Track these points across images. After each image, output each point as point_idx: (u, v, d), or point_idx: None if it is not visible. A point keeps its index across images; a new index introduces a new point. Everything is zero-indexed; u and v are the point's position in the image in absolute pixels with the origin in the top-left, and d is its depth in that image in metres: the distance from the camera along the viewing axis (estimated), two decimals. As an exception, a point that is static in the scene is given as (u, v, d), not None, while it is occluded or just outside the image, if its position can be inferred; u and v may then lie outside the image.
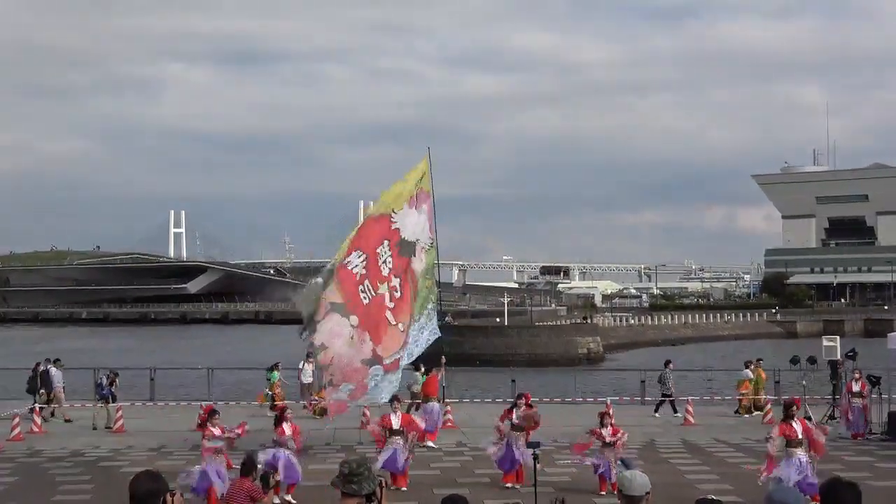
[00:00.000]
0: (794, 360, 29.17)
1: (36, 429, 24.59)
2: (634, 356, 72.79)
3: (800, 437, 14.85)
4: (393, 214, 21.53)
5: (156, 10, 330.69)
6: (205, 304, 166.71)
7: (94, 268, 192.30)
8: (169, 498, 5.22)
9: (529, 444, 15.31)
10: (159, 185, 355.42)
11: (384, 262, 21.04)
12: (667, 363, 29.56)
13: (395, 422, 17.33)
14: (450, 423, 24.85)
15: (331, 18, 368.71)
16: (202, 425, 16.13)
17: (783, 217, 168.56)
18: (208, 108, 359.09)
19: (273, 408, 27.09)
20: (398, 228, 21.43)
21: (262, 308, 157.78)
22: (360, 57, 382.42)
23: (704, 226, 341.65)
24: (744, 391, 28.21)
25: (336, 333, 20.19)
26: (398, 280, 21.11)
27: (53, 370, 28.11)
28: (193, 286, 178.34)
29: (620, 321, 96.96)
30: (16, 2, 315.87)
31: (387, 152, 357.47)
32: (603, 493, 16.04)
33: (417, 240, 21.69)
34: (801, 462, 14.64)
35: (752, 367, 28.76)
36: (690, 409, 26.24)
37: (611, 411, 19.11)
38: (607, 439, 16.65)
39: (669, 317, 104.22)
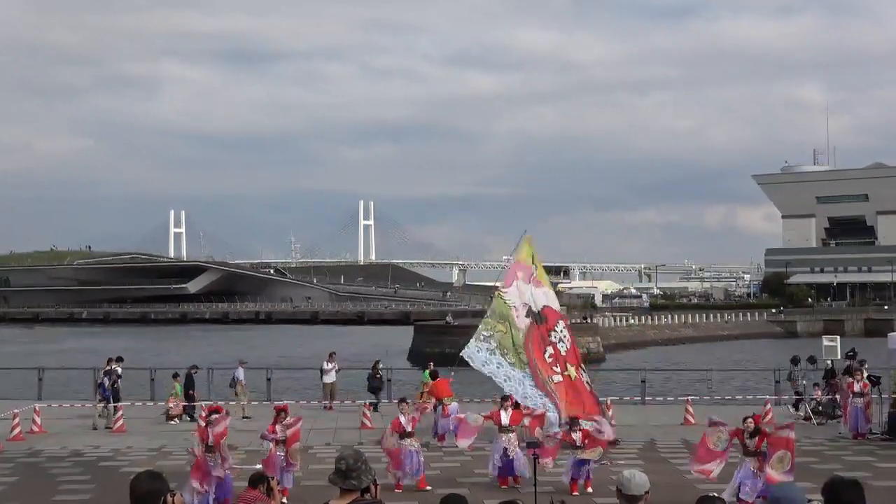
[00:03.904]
0: (795, 360, 29.16)
1: (36, 428, 24.62)
2: (634, 356, 72.77)
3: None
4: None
5: (155, 8, 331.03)
6: (205, 304, 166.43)
7: (94, 268, 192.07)
8: (170, 498, 5.24)
9: (529, 444, 15.33)
10: (159, 184, 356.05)
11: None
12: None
13: (407, 424, 17.07)
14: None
15: (330, 17, 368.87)
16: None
17: (783, 217, 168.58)
18: (208, 106, 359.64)
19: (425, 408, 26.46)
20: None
21: (263, 308, 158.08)
22: (360, 55, 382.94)
23: (704, 225, 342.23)
24: None
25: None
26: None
27: (241, 370, 28.17)
28: (193, 286, 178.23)
29: (620, 321, 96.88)
30: (15, 1, 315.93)
31: (387, 151, 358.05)
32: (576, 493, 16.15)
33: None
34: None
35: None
36: (690, 408, 26.22)
37: (610, 412, 19.06)
38: (577, 443, 16.68)
39: (669, 317, 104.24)
